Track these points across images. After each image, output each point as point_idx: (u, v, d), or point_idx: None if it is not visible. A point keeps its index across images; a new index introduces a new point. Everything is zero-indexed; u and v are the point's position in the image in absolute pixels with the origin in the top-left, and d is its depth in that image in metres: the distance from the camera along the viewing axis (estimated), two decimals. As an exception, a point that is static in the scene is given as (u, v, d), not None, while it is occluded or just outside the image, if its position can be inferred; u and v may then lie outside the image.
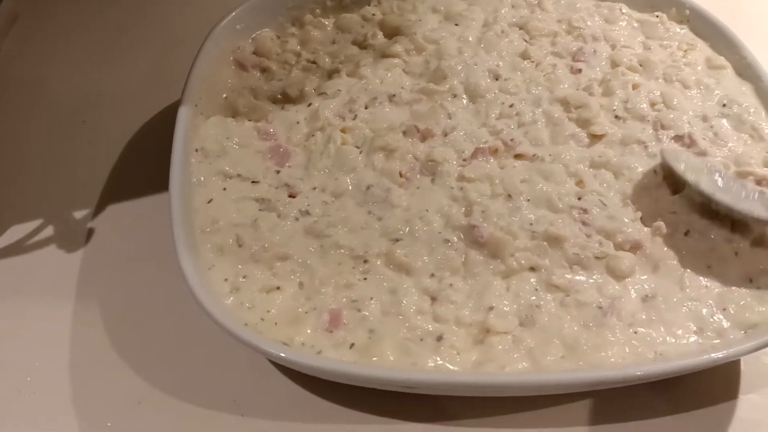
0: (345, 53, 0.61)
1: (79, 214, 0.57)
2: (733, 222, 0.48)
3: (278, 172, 0.52)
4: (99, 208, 0.57)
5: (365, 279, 0.47)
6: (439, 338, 0.44)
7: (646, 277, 0.47)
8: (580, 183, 0.51)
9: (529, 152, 0.53)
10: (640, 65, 0.59)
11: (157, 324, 0.50)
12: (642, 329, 0.44)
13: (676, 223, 0.49)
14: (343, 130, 0.54)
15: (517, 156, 0.53)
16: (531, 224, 0.49)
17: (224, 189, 0.51)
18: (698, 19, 0.63)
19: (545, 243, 0.47)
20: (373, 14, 0.63)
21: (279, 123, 0.55)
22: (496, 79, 0.58)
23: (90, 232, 0.55)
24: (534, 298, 0.46)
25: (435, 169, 0.52)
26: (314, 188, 0.51)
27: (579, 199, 0.50)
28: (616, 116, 0.55)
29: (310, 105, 0.56)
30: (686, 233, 0.48)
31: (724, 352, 0.42)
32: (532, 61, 0.59)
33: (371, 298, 0.45)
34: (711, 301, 0.45)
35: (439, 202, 0.50)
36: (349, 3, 0.64)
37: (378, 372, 0.41)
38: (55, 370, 0.48)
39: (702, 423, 0.46)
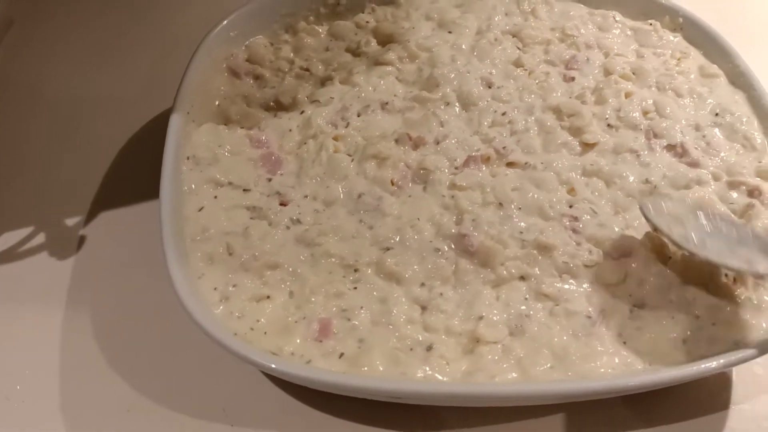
0: (338, 60, 0.61)
1: (71, 221, 0.57)
2: None
3: (270, 180, 0.52)
4: (91, 215, 0.57)
5: (355, 288, 0.46)
6: (429, 348, 0.44)
7: (634, 286, 0.46)
8: (571, 191, 0.52)
9: (521, 160, 0.53)
10: (633, 73, 0.59)
11: (148, 332, 0.50)
12: (630, 339, 0.44)
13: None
14: (335, 138, 0.54)
15: (509, 164, 0.53)
16: (521, 233, 0.49)
17: (215, 197, 0.51)
18: (691, 28, 0.63)
19: (535, 251, 0.47)
20: (367, 22, 0.63)
21: (271, 131, 0.55)
22: (489, 87, 0.58)
23: (82, 239, 0.55)
24: (524, 307, 0.46)
25: (427, 177, 0.52)
26: (306, 196, 0.51)
27: (570, 207, 0.50)
28: (608, 125, 0.55)
29: (302, 113, 0.56)
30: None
31: (714, 363, 0.42)
32: (525, 69, 0.59)
33: (361, 308, 0.45)
34: (700, 312, 0.45)
35: (431, 211, 0.50)
36: (343, 10, 0.64)
37: (366, 382, 0.41)
38: (44, 378, 0.48)
39: (693, 433, 0.46)
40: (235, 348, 0.41)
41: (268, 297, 0.46)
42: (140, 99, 0.64)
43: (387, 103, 0.57)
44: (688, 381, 0.44)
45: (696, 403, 0.48)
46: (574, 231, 0.49)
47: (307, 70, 0.60)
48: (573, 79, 0.59)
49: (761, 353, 0.42)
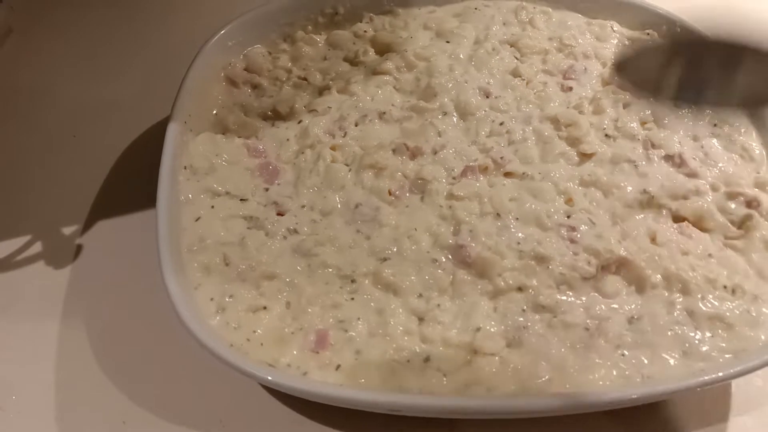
0: (336, 70, 0.61)
1: (68, 230, 0.57)
2: None
3: (267, 189, 0.52)
4: (88, 225, 0.57)
5: (352, 299, 0.46)
6: (426, 359, 0.44)
7: (633, 298, 0.46)
8: (569, 201, 0.51)
9: (519, 170, 0.53)
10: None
11: (144, 342, 0.50)
12: (628, 351, 0.44)
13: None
14: (332, 148, 0.54)
15: (507, 174, 0.53)
16: (519, 243, 0.48)
17: (212, 207, 0.50)
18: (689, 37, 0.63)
19: (533, 262, 0.47)
20: (365, 31, 0.63)
21: (269, 140, 0.55)
22: (487, 97, 0.58)
23: (79, 249, 0.55)
24: (521, 318, 0.45)
25: (424, 187, 0.52)
26: (303, 206, 0.51)
27: (568, 217, 0.50)
28: (606, 135, 0.55)
29: (300, 122, 0.56)
30: None
31: (712, 375, 0.41)
32: (523, 79, 0.59)
33: (358, 319, 0.45)
34: (698, 324, 0.45)
35: (428, 221, 0.50)
36: (341, 20, 0.64)
37: (363, 395, 0.41)
38: (40, 389, 0.48)
39: (692, 446, 0.46)
40: (231, 359, 0.41)
41: (265, 308, 0.46)
42: (138, 107, 0.64)
43: (384, 113, 0.57)
44: (686, 393, 0.44)
45: (695, 414, 0.48)
46: (572, 241, 0.49)
47: (304, 79, 0.60)
48: (571, 89, 0.59)
49: (760, 366, 0.42)
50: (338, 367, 0.43)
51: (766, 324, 0.45)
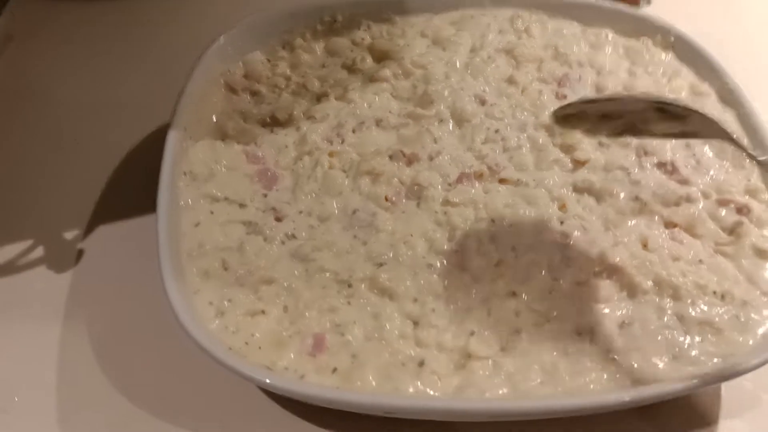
0: (334, 77, 0.62)
1: (69, 235, 0.57)
2: None
3: (266, 195, 0.53)
4: (89, 229, 0.58)
5: (349, 303, 0.47)
6: (421, 363, 0.44)
7: (624, 303, 0.47)
8: (562, 208, 0.52)
9: (514, 177, 0.54)
10: (625, 91, 0.60)
11: (145, 346, 0.50)
12: (619, 356, 0.45)
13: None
14: (330, 154, 0.55)
15: (502, 180, 0.54)
16: (513, 249, 0.49)
17: (211, 212, 0.51)
18: (683, 46, 0.63)
19: (526, 268, 0.48)
20: (363, 39, 0.64)
21: (267, 146, 0.56)
22: (482, 104, 0.59)
23: (80, 253, 0.56)
24: (515, 323, 0.46)
25: (420, 193, 0.53)
26: (301, 212, 0.52)
27: (561, 223, 0.51)
28: (599, 142, 0.56)
29: (298, 129, 0.57)
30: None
31: (701, 379, 0.42)
32: (518, 87, 0.60)
33: (354, 323, 0.46)
34: (688, 329, 0.46)
35: (424, 227, 0.51)
36: (339, 27, 0.65)
37: (358, 397, 0.42)
38: (42, 391, 0.49)
39: (681, 449, 0.47)
40: (229, 363, 0.42)
41: (263, 312, 0.46)
42: (138, 113, 0.65)
43: (382, 120, 0.57)
44: (676, 396, 0.45)
45: (685, 418, 0.48)
46: (565, 247, 0.50)
47: (303, 86, 0.61)
48: (565, 96, 0.59)
49: (748, 369, 0.43)
50: (335, 370, 0.44)
51: (754, 329, 0.46)
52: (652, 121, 0.45)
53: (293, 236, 0.50)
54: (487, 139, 0.56)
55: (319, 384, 0.43)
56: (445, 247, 0.49)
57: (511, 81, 0.60)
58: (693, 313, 0.47)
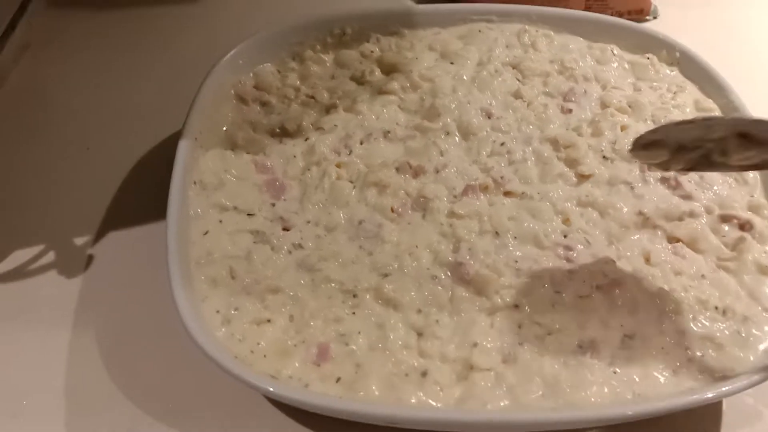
0: (343, 89, 0.62)
1: (80, 241, 0.58)
2: None
3: (274, 205, 0.54)
4: (99, 235, 0.59)
5: (354, 313, 0.48)
6: (424, 374, 0.45)
7: (625, 317, 0.48)
8: (566, 221, 0.53)
9: (518, 190, 0.54)
10: (630, 107, 0.60)
11: (152, 352, 0.51)
12: (620, 369, 0.45)
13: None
14: (338, 165, 0.56)
15: (507, 193, 0.54)
16: (516, 261, 0.50)
17: (220, 221, 0.52)
18: (688, 62, 0.64)
19: (529, 280, 0.49)
20: (372, 51, 0.65)
21: (276, 157, 0.57)
22: (489, 118, 0.59)
23: (90, 259, 0.57)
24: (517, 335, 0.47)
25: (426, 205, 0.53)
26: (308, 222, 0.53)
27: (565, 236, 0.52)
28: (604, 157, 0.57)
29: (307, 139, 0.58)
30: None
31: (702, 395, 0.43)
32: (524, 101, 0.61)
33: (359, 333, 0.47)
34: (690, 343, 0.46)
35: (429, 238, 0.51)
36: (349, 40, 0.66)
37: (361, 407, 0.42)
38: (50, 395, 0.49)
39: (682, 464, 0.47)
40: (234, 371, 0.42)
41: (269, 320, 0.47)
42: (150, 123, 0.66)
43: (389, 132, 0.58)
44: (677, 411, 0.45)
45: (686, 432, 0.49)
46: (568, 260, 0.50)
47: (312, 97, 0.62)
48: (570, 111, 0.60)
49: (750, 385, 0.43)
50: (338, 379, 0.44)
51: (755, 345, 0.46)
52: (732, 150, 0.44)
53: (300, 246, 0.51)
54: (492, 152, 0.57)
55: (322, 393, 0.44)
56: (450, 258, 0.50)
57: (517, 95, 0.61)
58: (694, 328, 0.47)
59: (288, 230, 0.52)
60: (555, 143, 0.57)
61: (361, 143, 0.58)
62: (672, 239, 0.52)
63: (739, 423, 0.49)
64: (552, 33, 0.67)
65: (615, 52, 0.66)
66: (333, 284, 0.49)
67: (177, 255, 0.47)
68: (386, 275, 0.49)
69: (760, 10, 0.83)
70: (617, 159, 0.56)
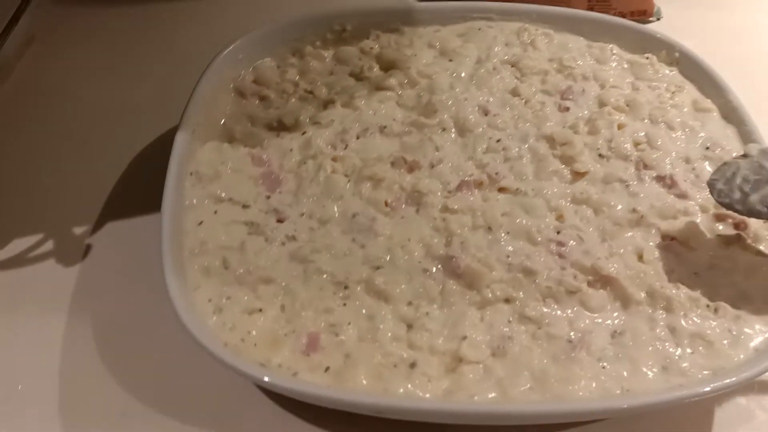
0: (342, 84, 0.63)
1: (78, 230, 0.59)
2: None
3: (269, 197, 0.54)
4: (98, 225, 0.59)
5: (344, 304, 0.48)
6: (413, 365, 0.45)
7: (616, 313, 0.48)
8: (560, 218, 0.53)
9: (513, 186, 0.54)
10: (627, 105, 0.60)
11: (145, 339, 0.52)
12: (609, 364, 0.45)
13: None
14: (333, 159, 0.56)
15: (501, 189, 0.54)
16: (508, 256, 0.50)
17: (215, 212, 0.53)
18: (687, 62, 0.64)
19: (521, 275, 0.49)
20: (371, 48, 0.65)
21: (273, 150, 0.57)
22: (485, 115, 0.59)
23: (88, 248, 0.58)
24: (507, 329, 0.47)
25: (420, 199, 0.54)
26: (302, 214, 0.53)
27: (558, 233, 0.51)
28: (599, 155, 0.56)
29: (304, 134, 0.58)
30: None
31: (689, 391, 0.43)
32: (522, 98, 0.61)
33: (349, 324, 0.47)
34: (680, 341, 0.46)
35: (422, 232, 0.51)
36: (349, 36, 0.66)
37: (348, 396, 0.43)
38: (45, 380, 0.50)
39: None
40: (224, 358, 0.43)
41: (260, 310, 0.47)
42: (149, 115, 0.67)
43: (385, 127, 0.58)
44: (665, 408, 0.45)
45: None
46: (560, 256, 0.50)
47: (311, 92, 0.62)
48: (568, 109, 0.60)
49: (740, 383, 0.43)
50: (327, 369, 0.45)
51: (746, 343, 0.46)
52: None
53: (293, 238, 0.51)
54: (488, 148, 0.57)
55: (311, 382, 0.44)
56: (442, 252, 0.50)
57: (515, 92, 0.61)
58: (685, 325, 0.47)
59: (282, 222, 0.52)
60: (551, 141, 0.57)
61: (358, 138, 0.58)
62: (666, 237, 0.52)
63: (731, 423, 0.49)
64: (552, 32, 0.67)
65: (614, 51, 0.66)
66: (325, 276, 0.49)
67: (171, 244, 0.48)
68: (378, 268, 0.49)
69: (767, 14, 0.82)
70: (613, 157, 0.56)
